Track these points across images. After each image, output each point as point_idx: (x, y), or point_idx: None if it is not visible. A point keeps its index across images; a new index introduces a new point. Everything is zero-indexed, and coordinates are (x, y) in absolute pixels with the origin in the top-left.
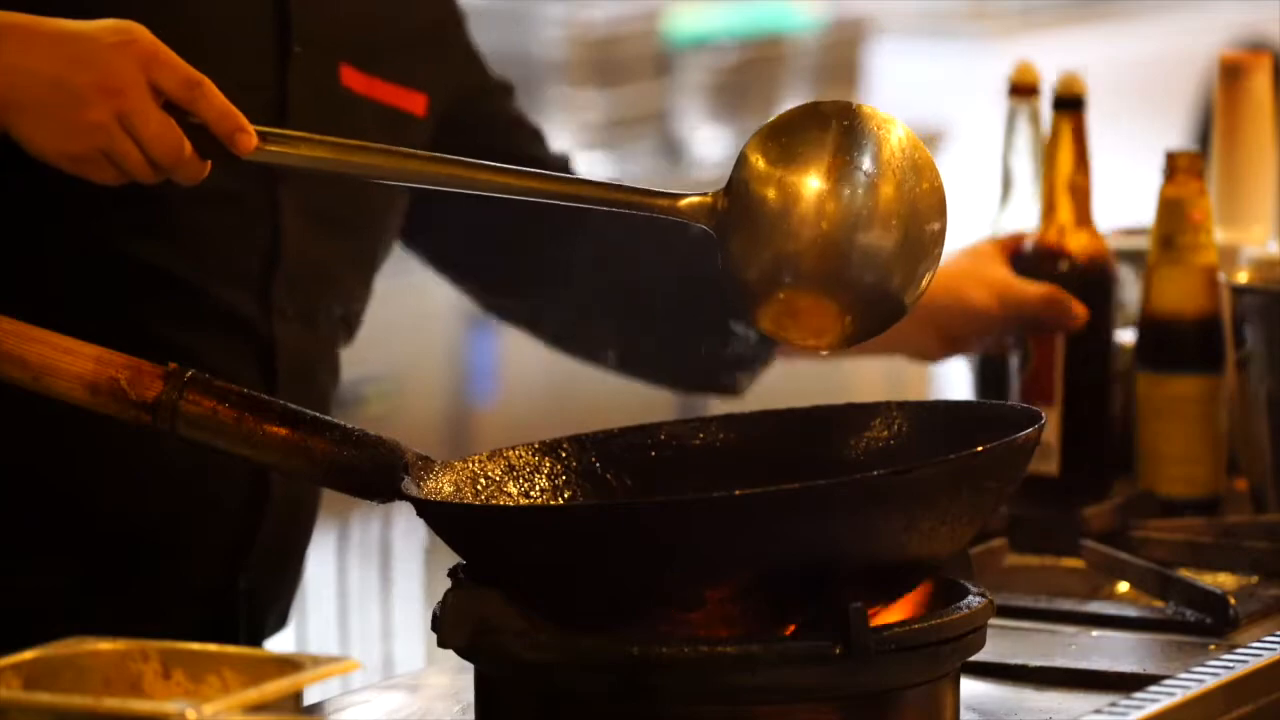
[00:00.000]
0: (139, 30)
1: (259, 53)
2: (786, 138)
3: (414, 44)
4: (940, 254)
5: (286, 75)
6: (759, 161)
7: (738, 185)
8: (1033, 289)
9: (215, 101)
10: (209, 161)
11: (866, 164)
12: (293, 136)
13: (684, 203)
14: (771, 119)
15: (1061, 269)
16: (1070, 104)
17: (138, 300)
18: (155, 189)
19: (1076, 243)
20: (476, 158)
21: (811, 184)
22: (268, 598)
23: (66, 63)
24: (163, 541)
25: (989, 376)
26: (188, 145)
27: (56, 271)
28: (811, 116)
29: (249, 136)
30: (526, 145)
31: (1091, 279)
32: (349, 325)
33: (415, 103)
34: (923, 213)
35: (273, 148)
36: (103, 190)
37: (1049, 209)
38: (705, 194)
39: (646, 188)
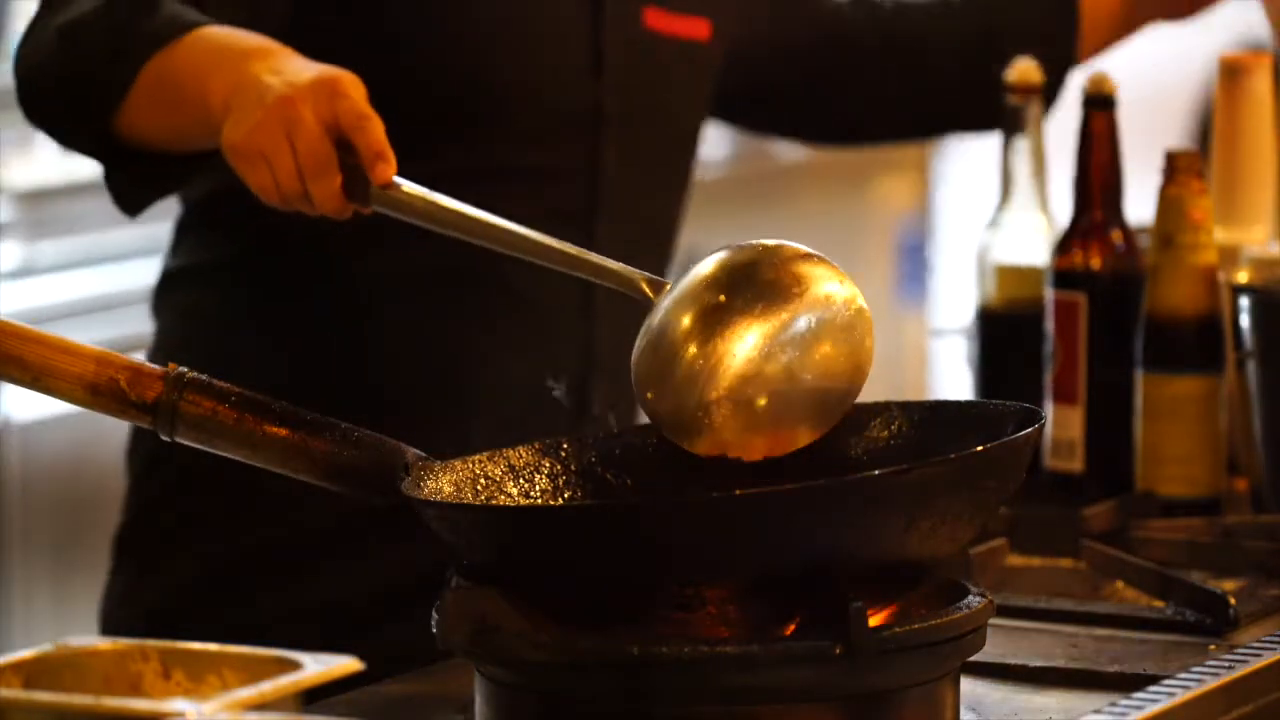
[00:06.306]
0: (347, 74)
1: (574, 8)
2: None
3: None
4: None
5: (600, 29)
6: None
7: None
8: None
9: (374, 135)
10: (347, 201)
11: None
12: (412, 194)
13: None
14: (730, 257)
15: (1094, 267)
16: (1101, 103)
17: None
18: None
19: (1110, 243)
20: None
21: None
22: None
23: (272, 73)
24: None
25: (989, 376)
26: (337, 172)
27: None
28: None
29: (389, 167)
30: None
31: (1124, 276)
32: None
33: (701, 29)
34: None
35: (400, 193)
36: None
37: (1083, 206)
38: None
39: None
